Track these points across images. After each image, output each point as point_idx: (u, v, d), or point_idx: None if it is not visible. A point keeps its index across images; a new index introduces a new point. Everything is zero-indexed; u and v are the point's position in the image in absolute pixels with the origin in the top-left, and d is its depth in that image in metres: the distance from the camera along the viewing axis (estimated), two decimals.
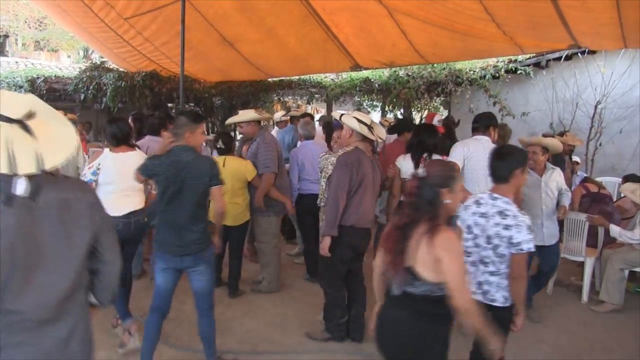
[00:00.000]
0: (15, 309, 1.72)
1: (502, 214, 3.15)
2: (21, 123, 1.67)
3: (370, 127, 4.48)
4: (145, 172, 3.77)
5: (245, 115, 5.75)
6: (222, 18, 8.34)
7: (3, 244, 1.65)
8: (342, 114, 4.74)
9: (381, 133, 4.79)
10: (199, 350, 4.45)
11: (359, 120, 4.47)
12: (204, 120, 3.96)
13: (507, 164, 3.27)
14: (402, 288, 2.65)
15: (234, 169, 5.51)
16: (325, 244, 4.31)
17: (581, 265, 6.17)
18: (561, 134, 7.96)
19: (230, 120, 6.03)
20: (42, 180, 1.75)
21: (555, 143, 5.36)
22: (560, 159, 6.18)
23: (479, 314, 2.59)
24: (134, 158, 4.39)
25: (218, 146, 5.65)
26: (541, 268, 5.48)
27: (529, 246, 3.07)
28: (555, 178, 5.24)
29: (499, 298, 3.21)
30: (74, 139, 1.83)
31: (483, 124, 4.90)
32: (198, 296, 3.92)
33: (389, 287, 2.78)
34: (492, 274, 3.21)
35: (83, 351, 1.95)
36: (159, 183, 3.72)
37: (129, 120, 5.73)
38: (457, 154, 4.74)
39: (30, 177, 1.70)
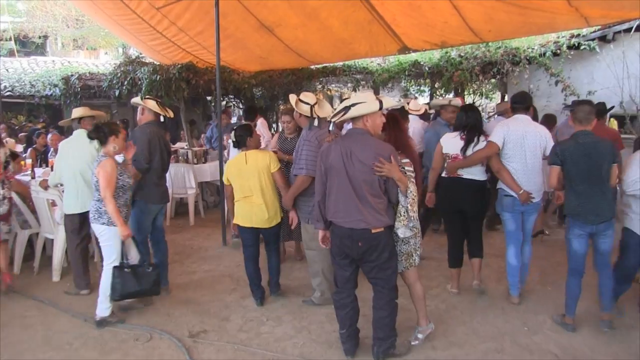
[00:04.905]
0: None
1: None
2: None
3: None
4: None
5: (302, 104, 5.01)
6: (260, 1, 7.91)
7: None
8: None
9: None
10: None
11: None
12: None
13: None
14: None
15: (259, 162, 5.01)
16: (317, 236, 4.26)
17: None
18: None
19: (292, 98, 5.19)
20: None
21: None
22: None
23: None
24: None
25: (231, 140, 5.27)
26: None
27: None
28: None
29: None
30: None
31: (522, 105, 5.10)
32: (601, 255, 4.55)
33: None
34: None
35: None
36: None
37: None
38: (498, 135, 4.95)
39: None
